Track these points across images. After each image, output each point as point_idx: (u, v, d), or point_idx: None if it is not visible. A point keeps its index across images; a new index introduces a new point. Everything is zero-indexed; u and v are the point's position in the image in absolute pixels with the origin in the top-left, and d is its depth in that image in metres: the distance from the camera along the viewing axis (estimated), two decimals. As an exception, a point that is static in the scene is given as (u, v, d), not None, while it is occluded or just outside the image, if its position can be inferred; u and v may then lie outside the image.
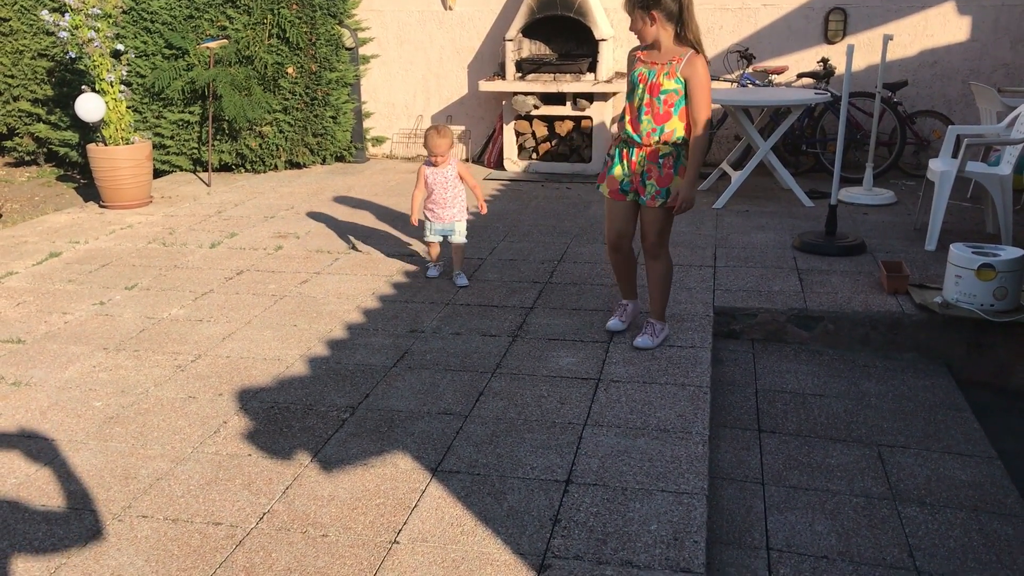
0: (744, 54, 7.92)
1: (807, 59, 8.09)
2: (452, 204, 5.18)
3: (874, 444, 3.71)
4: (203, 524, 2.91)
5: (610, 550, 2.74)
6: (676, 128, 3.96)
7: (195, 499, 3.05)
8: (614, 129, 4.34)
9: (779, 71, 7.91)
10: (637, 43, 4.09)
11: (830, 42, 8.02)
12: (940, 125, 7.74)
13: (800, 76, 7.88)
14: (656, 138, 3.98)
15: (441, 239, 5.30)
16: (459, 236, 5.25)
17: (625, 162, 4.11)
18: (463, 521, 2.91)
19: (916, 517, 3.20)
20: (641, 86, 3.97)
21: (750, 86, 7.74)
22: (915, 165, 7.91)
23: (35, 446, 3.43)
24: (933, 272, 5.13)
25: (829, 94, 7.01)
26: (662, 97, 3.93)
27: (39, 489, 3.13)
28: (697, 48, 3.92)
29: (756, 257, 5.60)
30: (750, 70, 7.92)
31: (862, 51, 7.82)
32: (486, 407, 3.70)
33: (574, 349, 4.27)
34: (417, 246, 5.97)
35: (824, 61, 7.71)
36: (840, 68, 7.81)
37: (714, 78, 8.00)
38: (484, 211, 5.44)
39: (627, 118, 4.07)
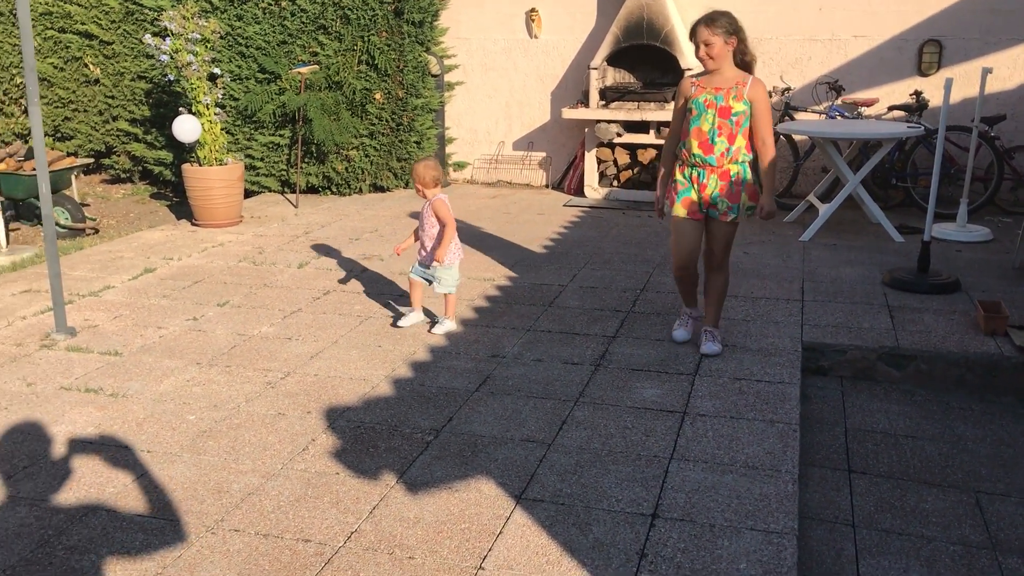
0: (833, 85, 7.80)
1: (898, 91, 7.94)
2: (428, 243, 4.85)
3: (971, 490, 3.58)
4: (293, 540, 2.96)
5: (698, 587, 2.69)
6: (741, 147, 4.28)
7: (285, 515, 3.10)
8: (663, 155, 4.55)
9: (869, 103, 7.77)
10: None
11: (923, 74, 7.85)
12: (1039, 161, 7.50)
13: (891, 108, 7.73)
14: (728, 157, 4.27)
15: (421, 281, 4.94)
16: (441, 287, 4.84)
17: (695, 185, 4.36)
18: (548, 551, 2.89)
19: (1019, 569, 3.06)
20: (711, 111, 4.23)
21: (839, 118, 7.62)
22: (1012, 202, 7.67)
23: (132, 456, 3.54)
24: (1033, 313, 4.96)
25: (922, 127, 6.86)
26: (734, 119, 4.23)
27: (136, 499, 3.22)
28: (753, 73, 4.31)
29: (845, 292, 5.48)
30: (839, 102, 7.80)
31: (957, 84, 7.64)
32: (569, 436, 3.69)
33: (658, 380, 4.23)
34: (494, 272, 6.00)
35: (917, 94, 7.55)
36: (933, 101, 7.65)
37: (802, 109, 7.90)
38: (439, 262, 4.78)
39: (695, 143, 4.28)
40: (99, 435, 3.72)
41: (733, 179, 4.29)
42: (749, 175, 4.33)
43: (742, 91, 4.20)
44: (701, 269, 4.62)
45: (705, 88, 4.27)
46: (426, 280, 4.93)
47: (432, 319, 5.02)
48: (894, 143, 7.02)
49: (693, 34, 4.25)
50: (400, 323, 4.95)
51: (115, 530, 3.02)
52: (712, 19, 4.19)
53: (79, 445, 3.63)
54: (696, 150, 4.28)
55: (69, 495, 3.25)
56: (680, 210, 4.39)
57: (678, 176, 4.42)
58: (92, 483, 3.33)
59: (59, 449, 3.60)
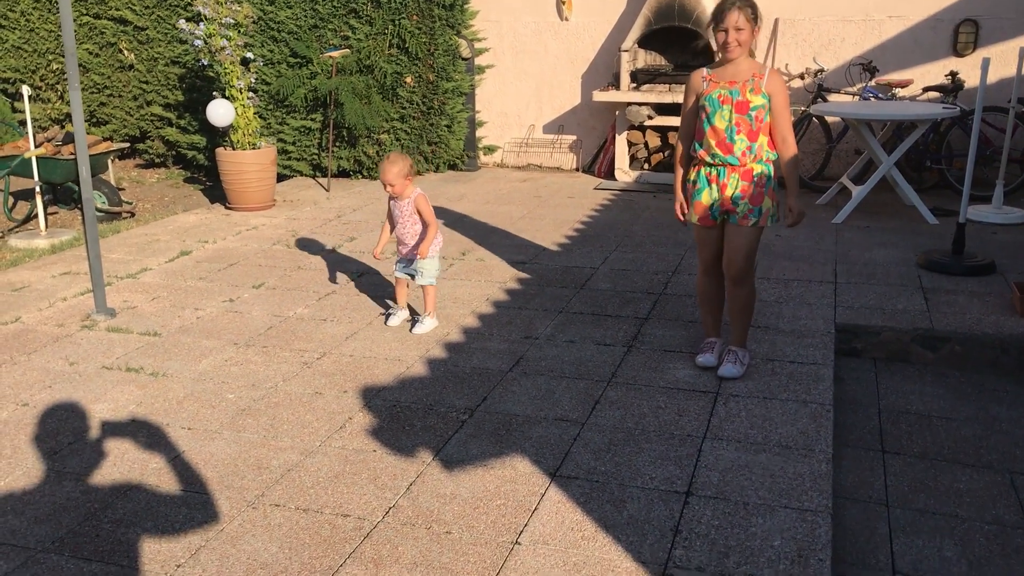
0: (867, 67, 7.72)
1: (933, 72, 7.84)
2: (410, 240, 4.69)
3: (1006, 471, 3.57)
4: (332, 515, 3.01)
5: (732, 563, 2.72)
6: (763, 144, 3.90)
7: (324, 491, 3.16)
8: (677, 156, 4.15)
9: (904, 84, 7.69)
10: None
11: (959, 55, 7.75)
12: (1077, 142, 7.38)
13: (926, 90, 7.64)
14: (752, 156, 3.89)
15: (406, 278, 4.81)
16: (425, 278, 4.69)
17: (714, 186, 3.97)
18: (583, 526, 2.93)
19: (1054, 549, 3.06)
20: (726, 107, 3.85)
21: (873, 99, 7.54)
22: (1049, 183, 7.56)
23: (173, 434, 3.61)
24: (1070, 295, 4.90)
25: (957, 109, 6.78)
26: (752, 114, 3.85)
27: (179, 474, 3.30)
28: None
29: (878, 274, 5.45)
30: (873, 83, 7.72)
31: (994, 64, 7.52)
32: (603, 415, 3.72)
33: (691, 361, 4.24)
34: (525, 254, 6.03)
35: (952, 75, 7.46)
36: (969, 82, 7.55)
37: (835, 91, 7.83)
38: (423, 256, 4.64)
39: (712, 141, 3.89)
40: (140, 413, 3.80)
41: (756, 179, 3.90)
42: (772, 179, 3.96)
43: (759, 83, 3.83)
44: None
45: (718, 82, 3.88)
46: (409, 275, 4.79)
47: (414, 317, 4.84)
48: (929, 124, 6.94)
49: (719, 18, 3.80)
50: (389, 322, 4.80)
51: (158, 504, 3.10)
52: (740, 4, 3.75)
53: (121, 423, 3.71)
54: (715, 150, 3.89)
55: (113, 471, 3.33)
56: (692, 217, 4.06)
57: (693, 175, 4.05)
58: (135, 459, 3.41)
59: (102, 426, 3.68)
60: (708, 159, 3.95)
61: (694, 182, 4.04)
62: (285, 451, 3.45)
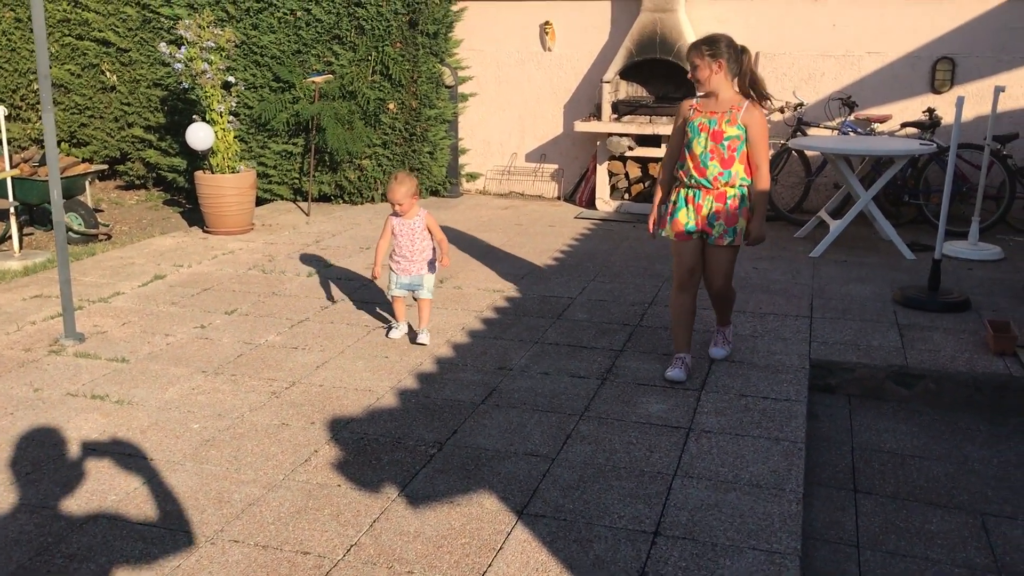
0: (846, 101, 7.78)
1: (911, 108, 7.90)
2: (418, 257, 4.88)
3: (978, 513, 3.54)
4: (292, 552, 2.95)
5: (698, 607, 2.67)
6: (739, 171, 4.25)
7: (285, 527, 3.10)
8: (659, 175, 4.51)
9: (882, 119, 7.75)
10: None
11: (937, 92, 7.83)
12: (1053, 180, 7.44)
13: (904, 125, 7.69)
14: (724, 181, 4.24)
15: (406, 294, 4.97)
16: (426, 292, 4.93)
17: (691, 206, 4.33)
18: (548, 568, 2.88)
19: (1024, 594, 3.03)
20: (703, 134, 4.22)
21: (851, 134, 7.59)
22: (1024, 220, 7.62)
23: (135, 464, 3.54)
24: (1044, 334, 4.91)
25: (935, 145, 6.83)
26: (726, 143, 4.20)
27: (137, 507, 3.23)
28: (754, 99, 4.24)
29: (854, 309, 5.45)
30: (852, 118, 7.77)
31: (970, 102, 7.60)
32: (573, 451, 3.67)
33: (664, 396, 4.21)
34: (503, 283, 6.00)
35: (930, 111, 7.52)
36: (946, 119, 7.61)
37: (814, 125, 7.88)
38: (447, 264, 4.91)
39: (690, 164, 4.27)
40: (103, 442, 3.73)
41: (729, 202, 4.25)
42: (747, 201, 4.29)
43: (736, 115, 4.17)
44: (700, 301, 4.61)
45: (701, 111, 4.26)
46: (410, 291, 4.95)
47: (413, 334, 4.99)
48: (906, 160, 6.99)
49: (687, 56, 4.29)
50: (392, 335, 4.99)
51: (115, 539, 3.02)
52: (697, 43, 4.21)
53: (83, 452, 3.64)
54: (692, 172, 4.27)
55: (71, 502, 3.26)
56: (670, 232, 4.40)
57: (674, 196, 4.41)
58: (94, 490, 3.34)
59: (63, 456, 3.61)
60: (686, 180, 4.33)
61: (674, 202, 4.41)
62: (248, 484, 3.39)
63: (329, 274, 6.25)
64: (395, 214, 4.85)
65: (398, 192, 4.74)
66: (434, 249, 4.94)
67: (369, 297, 5.72)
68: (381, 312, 5.42)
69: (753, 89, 4.25)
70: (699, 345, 4.77)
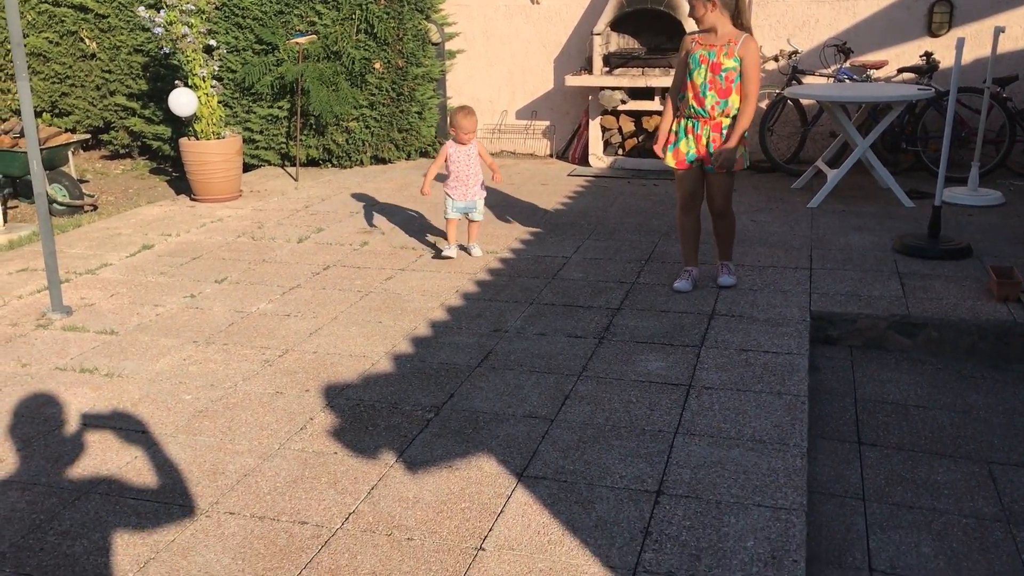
0: (841, 48, 7.63)
1: (908, 53, 7.76)
2: (473, 181, 5.53)
3: (984, 461, 3.49)
4: (289, 523, 2.89)
5: (704, 567, 2.62)
6: (735, 102, 4.59)
7: (281, 497, 3.04)
8: (668, 103, 4.84)
9: (878, 65, 7.60)
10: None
11: (934, 35, 7.67)
12: (1052, 122, 7.32)
13: (901, 71, 7.55)
14: (720, 111, 4.59)
15: (460, 217, 5.60)
16: (479, 213, 5.65)
17: (690, 136, 4.69)
18: (550, 530, 2.82)
19: (1033, 542, 2.99)
20: (703, 66, 4.56)
21: (847, 81, 7.46)
22: (1024, 164, 7.52)
23: (127, 438, 3.47)
24: (1047, 279, 4.84)
25: (933, 90, 6.70)
26: (723, 74, 4.54)
27: (130, 482, 3.16)
28: (751, 32, 4.58)
29: (854, 259, 5.37)
30: (847, 65, 7.63)
31: (969, 44, 7.45)
32: (572, 411, 3.61)
33: (663, 353, 4.14)
34: (500, 243, 5.91)
35: (927, 55, 7.39)
36: (944, 62, 7.47)
37: (809, 73, 7.74)
38: (499, 180, 5.76)
39: (689, 95, 4.62)
40: (94, 416, 3.65)
41: (725, 132, 4.61)
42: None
43: (733, 48, 4.51)
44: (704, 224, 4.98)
45: (702, 44, 4.60)
46: (464, 214, 5.61)
47: (466, 249, 5.70)
48: (904, 106, 6.87)
49: None
50: (446, 253, 5.59)
51: (108, 514, 2.96)
52: None
53: (74, 427, 3.57)
54: (691, 102, 4.62)
55: (62, 478, 3.19)
56: (670, 160, 4.78)
57: (675, 126, 4.77)
58: (86, 465, 3.27)
59: (53, 431, 3.54)
60: (686, 111, 4.68)
61: (676, 132, 4.76)
62: (242, 455, 3.32)
63: (320, 239, 6.15)
64: (456, 141, 5.47)
65: (471, 122, 5.43)
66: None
67: (361, 262, 5.63)
68: (373, 276, 5.33)
69: (740, 27, 4.59)
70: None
